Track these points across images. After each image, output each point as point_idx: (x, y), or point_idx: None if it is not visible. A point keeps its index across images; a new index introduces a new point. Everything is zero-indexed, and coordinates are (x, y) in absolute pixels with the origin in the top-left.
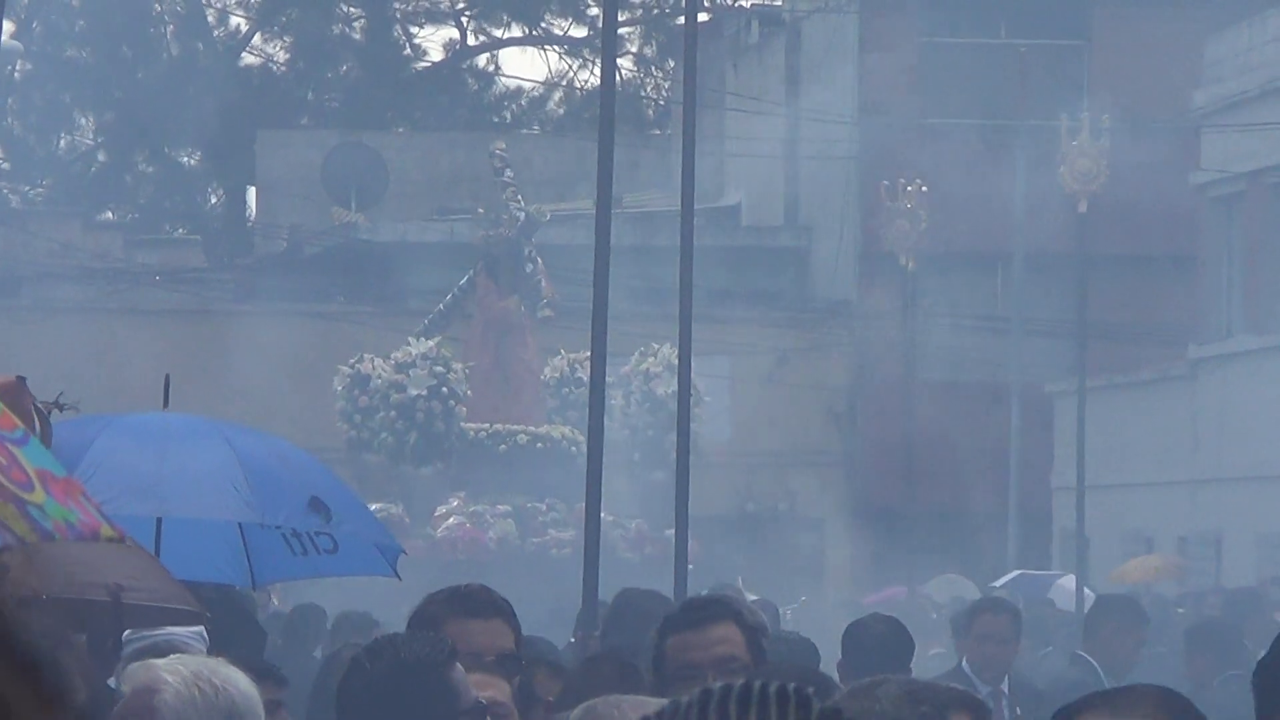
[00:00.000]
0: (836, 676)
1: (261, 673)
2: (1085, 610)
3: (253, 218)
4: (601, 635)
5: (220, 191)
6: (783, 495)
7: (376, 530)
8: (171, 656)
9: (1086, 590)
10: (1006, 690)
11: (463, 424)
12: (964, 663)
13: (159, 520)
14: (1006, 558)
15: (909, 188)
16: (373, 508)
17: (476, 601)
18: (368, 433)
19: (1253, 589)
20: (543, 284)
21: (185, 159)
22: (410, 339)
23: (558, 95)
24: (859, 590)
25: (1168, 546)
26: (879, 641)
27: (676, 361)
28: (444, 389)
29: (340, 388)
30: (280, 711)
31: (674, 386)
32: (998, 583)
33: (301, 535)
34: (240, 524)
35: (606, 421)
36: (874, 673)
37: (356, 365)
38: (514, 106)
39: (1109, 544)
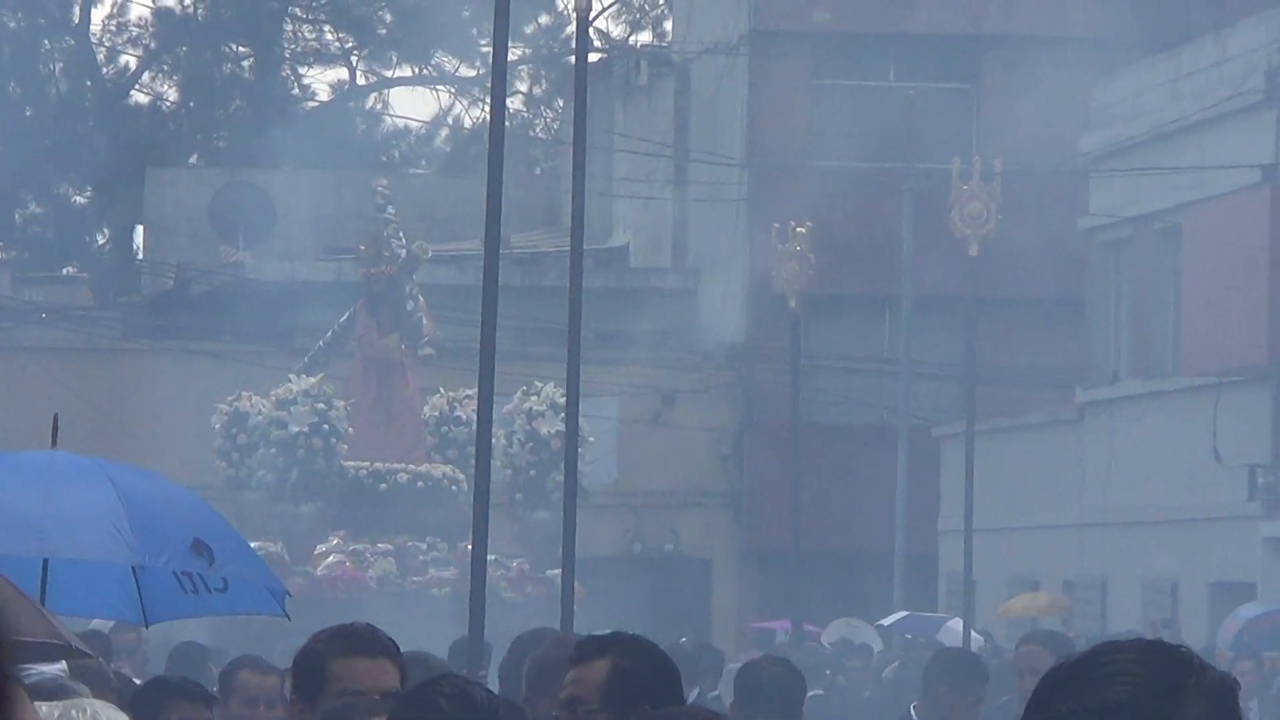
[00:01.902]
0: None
1: (182, 691)
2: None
3: (140, 256)
4: (501, 680)
5: (108, 230)
6: (669, 536)
7: (261, 572)
8: (51, 702)
9: (974, 633)
10: None
11: (343, 462)
12: (912, 709)
13: (45, 560)
14: (892, 600)
15: (798, 229)
16: (252, 545)
17: (362, 640)
18: (246, 470)
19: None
20: (424, 322)
21: (74, 197)
22: (291, 376)
23: (444, 134)
24: (743, 633)
25: (1054, 589)
26: (773, 683)
27: (560, 400)
28: (325, 426)
29: (218, 425)
30: None
31: (558, 426)
32: (885, 621)
33: (192, 574)
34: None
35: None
36: (767, 714)
37: (234, 403)
38: (402, 145)
39: (995, 587)
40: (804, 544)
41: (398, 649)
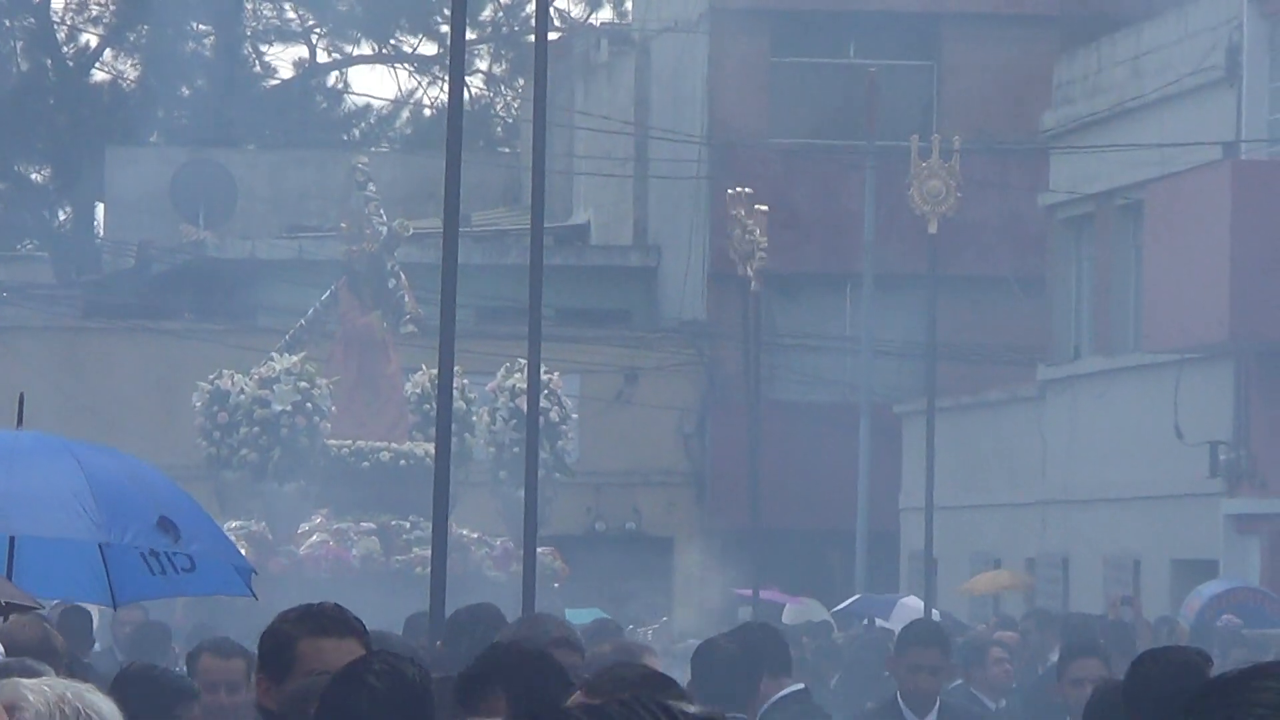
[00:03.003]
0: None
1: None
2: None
3: (101, 234)
4: (444, 645)
5: (69, 208)
6: (631, 515)
7: (228, 551)
8: (39, 679)
9: (934, 611)
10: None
11: (326, 440)
12: (898, 695)
13: (11, 539)
14: (854, 578)
15: (757, 207)
16: (234, 525)
17: (330, 620)
18: (227, 449)
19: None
20: (406, 299)
21: (34, 175)
22: (274, 354)
23: (406, 113)
24: (707, 609)
25: (1016, 567)
26: (728, 660)
27: (545, 377)
28: (308, 405)
29: (199, 404)
30: None
31: (542, 403)
32: (840, 607)
33: (160, 554)
34: (101, 545)
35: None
36: (724, 691)
37: (216, 381)
38: (363, 124)
39: (957, 565)
40: (766, 522)
41: (365, 629)
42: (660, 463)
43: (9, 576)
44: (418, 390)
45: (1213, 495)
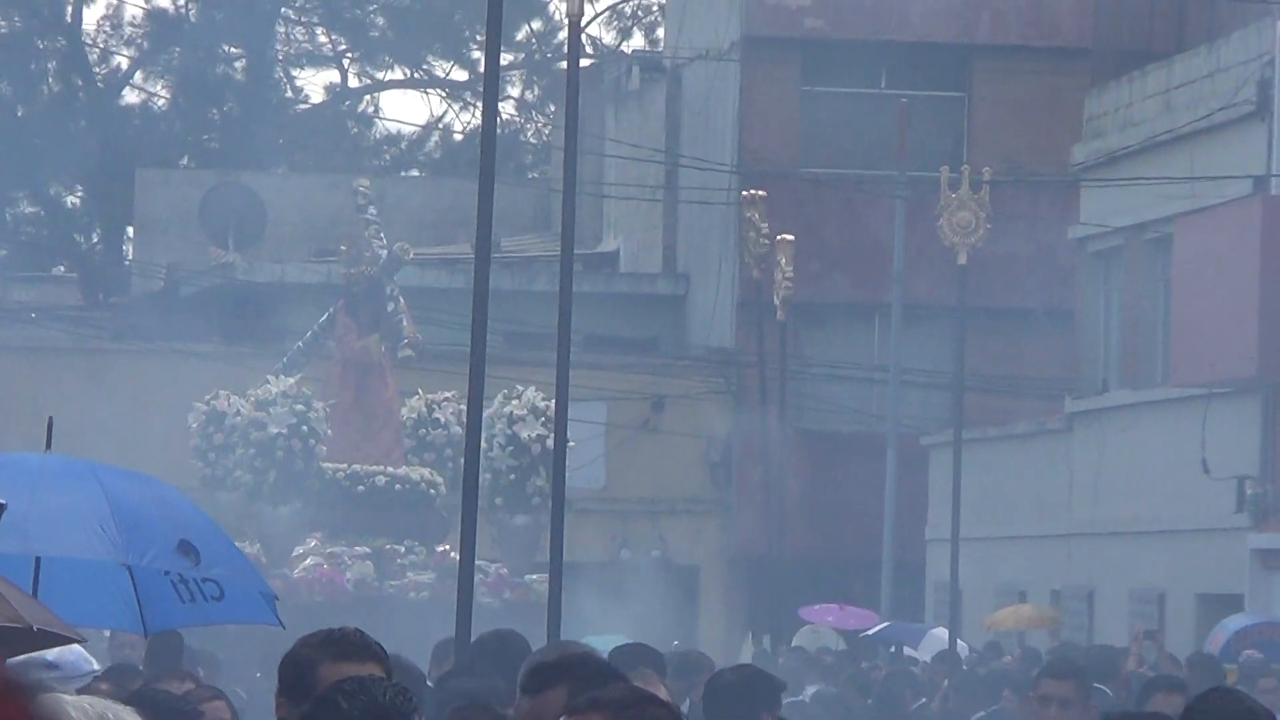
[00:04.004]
0: None
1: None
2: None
3: (130, 256)
4: (453, 673)
5: (98, 230)
6: (657, 543)
7: (251, 576)
8: (78, 696)
9: (960, 642)
10: None
11: (321, 463)
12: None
13: (37, 560)
14: (880, 609)
15: (783, 237)
16: None
17: (351, 645)
18: (222, 470)
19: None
20: (404, 323)
21: (65, 197)
22: (270, 377)
23: (435, 138)
24: (730, 640)
25: (1041, 599)
26: (729, 690)
27: (542, 405)
28: (304, 427)
29: (195, 424)
30: None
31: (539, 430)
32: (870, 631)
33: (189, 581)
34: (131, 571)
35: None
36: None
37: (212, 402)
38: (393, 149)
39: (982, 596)
40: (791, 552)
41: (385, 654)
42: (686, 491)
43: (34, 594)
44: (413, 415)
45: (1239, 530)
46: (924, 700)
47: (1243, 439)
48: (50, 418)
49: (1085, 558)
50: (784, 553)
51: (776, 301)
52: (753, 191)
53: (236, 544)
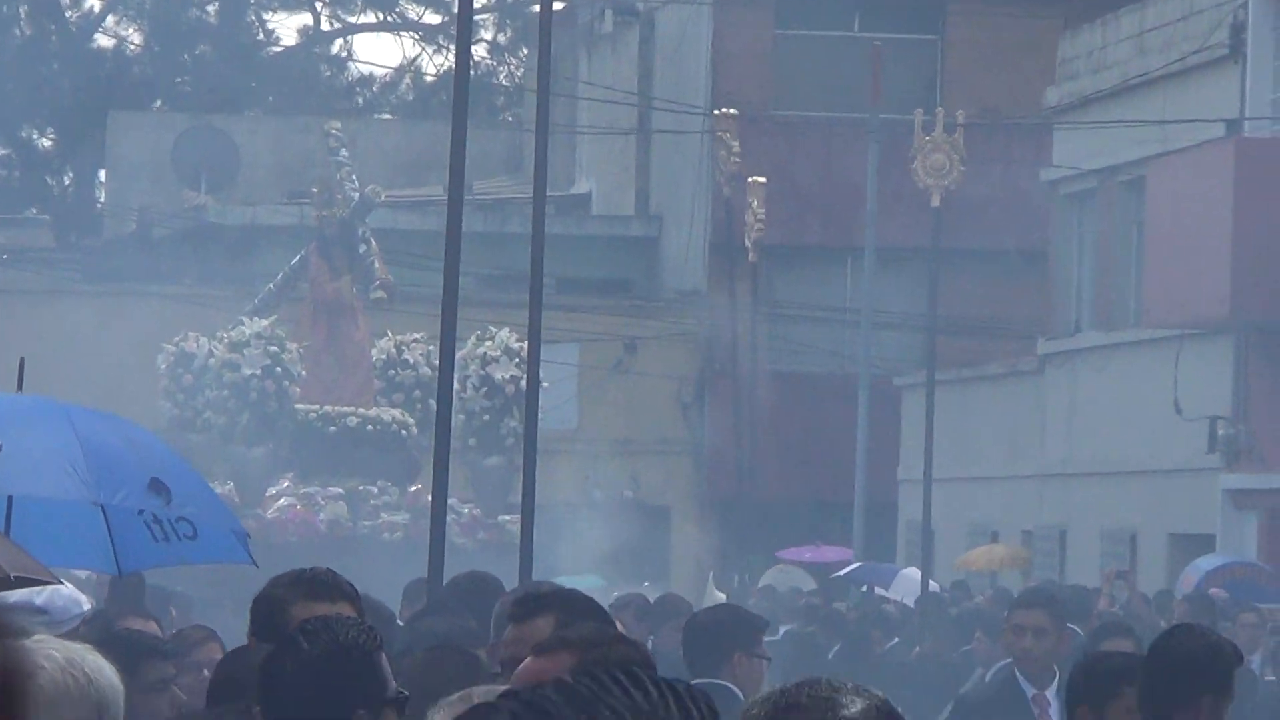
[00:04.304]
0: None
1: (153, 650)
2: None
3: (102, 199)
4: (424, 613)
5: (70, 173)
6: (628, 483)
7: (223, 514)
8: (38, 638)
9: (931, 582)
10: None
11: (295, 404)
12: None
13: (9, 500)
14: (852, 549)
15: (754, 179)
16: None
17: (323, 585)
18: (191, 411)
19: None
20: (376, 265)
21: (37, 139)
22: (244, 318)
23: (408, 81)
24: (702, 580)
25: (1013, 540)
26: (704, 630)
27: (515, 345)
28: (278, 369)
29: (164, 366)
30: (171, 688)
31: (512, 371)
32: (840, 572)
33: (162, 521)
34: (104, 511)
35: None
36: (704, 662)
37: (181, 343)
38: (366, 92)
39: (954, 537)
40: (764, 492)
41: (358, 594)
42: (658, 432)
43: (6, 532)
44: (383, 356)
45: (1211, 470)
46: (895, 640)
47: (1215, 380)
48: (22, 358)
49: (1057, 498)
50: (756, 493)
51: (748, 244)
52: (725, 110)
53: (213, 484)
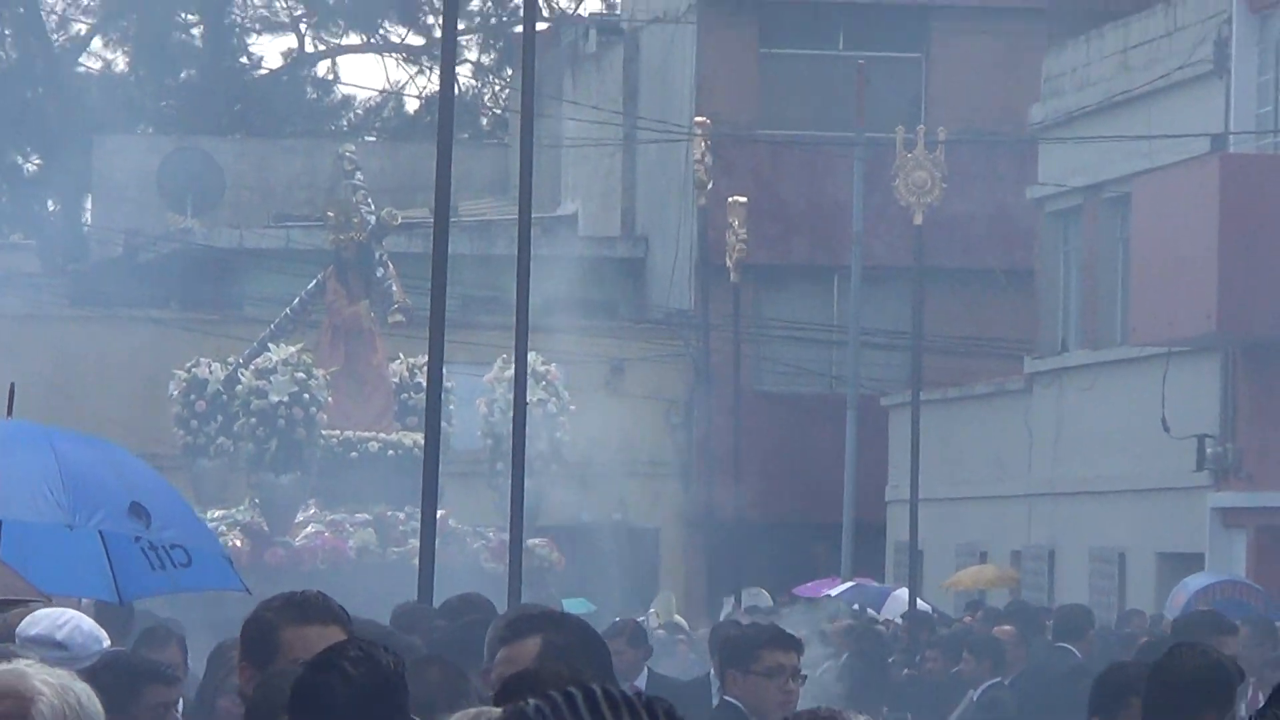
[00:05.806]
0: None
1: (154, 675)
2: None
3: (88, 223)
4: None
5: (56, 197)
6: (616, 505)
7: (209, 540)
8: (29, 664)
9: (920, 603)
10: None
11: (323, 431)
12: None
13: None
14: (840, 570)
15: (736, 199)
16: (217, 514)
17: (313, 608)
18: (204, 438)
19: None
20: (394, 288)
21: (23, 164)
22: (271, 345)
23: (392, 103)
24: (692, 601)
25: (1002, 560)
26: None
27: (541, 369)
28: (305, 395)
29: (175, 392)
30: (173, 713)
31: (538, 395)
32: (832, 592)
33: (158, 549)
34: (103, 539)
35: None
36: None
37: (193, 369)
38: (351, 114)
39: (943, 557)
40: (751, 513)
41: (348, 617)
42: (647, 454)
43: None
44: (395, 379)
45: (1199, 488)
46: (892, 659)
47: (1202, 398)
48: (12, 384)
49: (1045, 518)
50: (744, 515)
51: (729, 264)
52: (699, 119)
53: (224, 511)
